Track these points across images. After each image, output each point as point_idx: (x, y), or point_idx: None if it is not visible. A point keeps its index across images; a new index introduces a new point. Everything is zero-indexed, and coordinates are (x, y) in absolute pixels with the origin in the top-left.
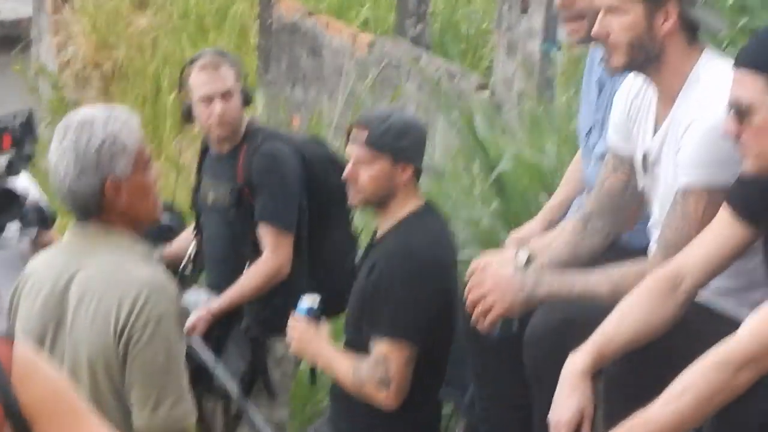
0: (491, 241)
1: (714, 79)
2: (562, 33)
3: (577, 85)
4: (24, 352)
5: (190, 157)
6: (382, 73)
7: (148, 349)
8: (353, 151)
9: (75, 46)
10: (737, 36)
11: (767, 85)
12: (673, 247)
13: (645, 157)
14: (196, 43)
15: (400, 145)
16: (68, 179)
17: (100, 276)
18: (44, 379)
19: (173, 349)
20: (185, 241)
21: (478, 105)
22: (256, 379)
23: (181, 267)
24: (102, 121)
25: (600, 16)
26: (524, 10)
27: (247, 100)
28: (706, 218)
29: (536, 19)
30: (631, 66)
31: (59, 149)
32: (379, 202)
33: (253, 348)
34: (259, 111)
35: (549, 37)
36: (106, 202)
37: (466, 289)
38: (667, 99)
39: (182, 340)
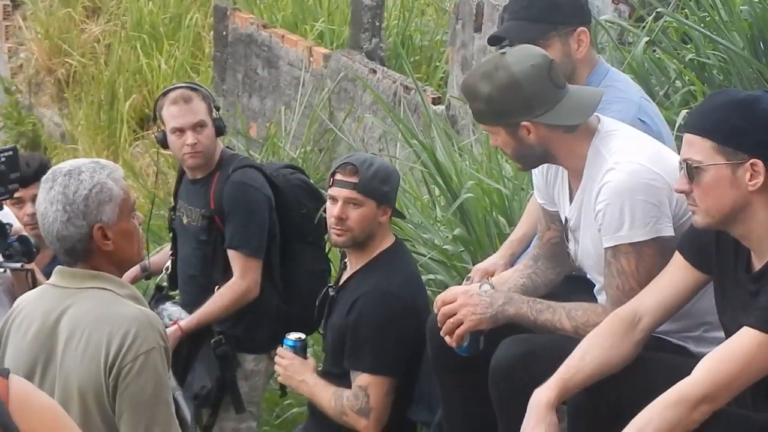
0: (455, 266)
1: (612, 146)
2: None
3: None
4: (19, 384)
5: (146, 163)
6: (339, 85)
7: (137, 381)
8: (342, 194)
9: (27, 52)
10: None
11: (714, 148)
12: (619, 302)
13: (566, 222)
14: (151, 51)
15: (384, 190)
16: (57, 225)
17: (89, 313)
18: (40, 408)
19: (161, 380)
20: (165, 255)
21: (437, 123)
22: (224, 393)
23: (158, 279)
24: (89, 170)
25: None
26: (477, 29)
27: (220, 131)
28: (641, 269)
29: None
30: (531, 167)
31: (48, 197)
32: (363, 241)
33: (222, 365)
34: None
35: None
36: (93, 247)
37: (437, 303)
38: (575, 174)
39: (168, 371)
